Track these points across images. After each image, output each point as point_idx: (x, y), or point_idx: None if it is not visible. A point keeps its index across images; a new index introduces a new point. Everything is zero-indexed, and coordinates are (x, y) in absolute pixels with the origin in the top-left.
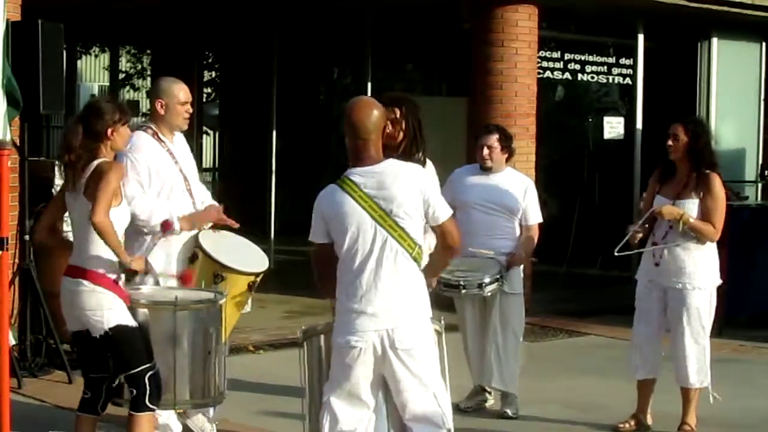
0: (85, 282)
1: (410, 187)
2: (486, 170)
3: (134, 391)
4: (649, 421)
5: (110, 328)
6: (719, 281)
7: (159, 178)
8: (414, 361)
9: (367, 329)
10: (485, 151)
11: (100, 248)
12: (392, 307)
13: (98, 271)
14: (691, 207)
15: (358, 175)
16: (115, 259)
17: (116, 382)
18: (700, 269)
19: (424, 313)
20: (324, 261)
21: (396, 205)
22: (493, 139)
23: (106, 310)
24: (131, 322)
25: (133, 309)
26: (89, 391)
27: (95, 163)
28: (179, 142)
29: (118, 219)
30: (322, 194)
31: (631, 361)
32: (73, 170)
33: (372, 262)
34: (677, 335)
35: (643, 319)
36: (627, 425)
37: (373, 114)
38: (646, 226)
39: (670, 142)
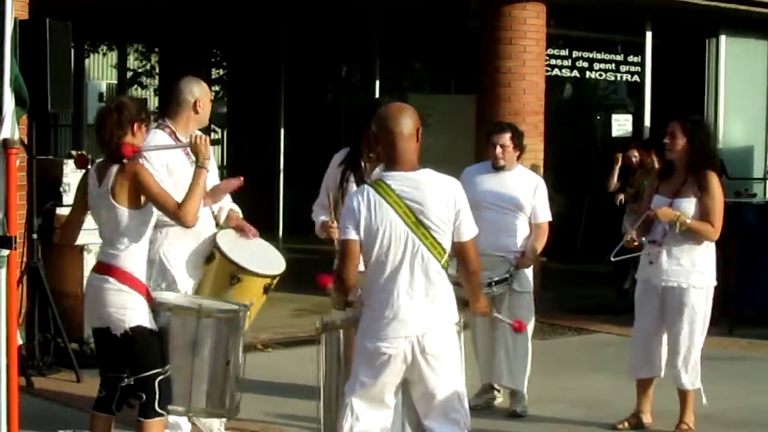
0: (111, 280)
1: (444, 198)
2: (498, 169)
3: (143, 396)
4: (649, 419)
5: (131, 328)
6: (715, 282)
7: (172, 178)
8: (442, 365)
9: (398, 335)
10: (498, 150)
11: (129, 247)
12: (423, 313)
13: (126, 270)
14: (687, 206)
15: (393, 179)
16: (144, 259)
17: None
18: (698, 269)
19: (452, 318)
20: (351, 257)
21: (429, 213)
22: (506, 138)
23: (129, 309)
24: (151, 325)
25: (156, 312)
26: (104, 390)
27: (116, 166)
28: None
29: (144, 219)
30: (355, 194)
31: (631, 360)
32: (104, 164)
33: (404, 269)
34: (674, 335)
35: (642, 319)
36: (624, 424)
37: (408, 116)
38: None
39: (666, 140)
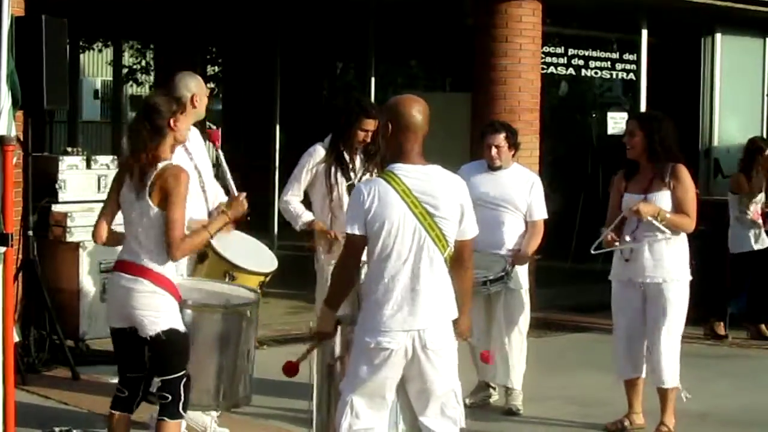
0: (145, 282)
1: (453, 195)
2: (494, 168)
3: (169, 397)
4: (641, 420)
5: (163, 331)
6: (690, 276)
7: None
8: (442, 360)
9: (399, 329)
10: (494, 151)
11: (162, 248)
12: (427, 307)
13: (160, 272)
14: (661, 199)
15: (403, 171)
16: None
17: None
18: (677, 262)
19: (451, 314)
20: (356, 253)
21: (439, 206)
22: (501, 138)
23: (163, 312)
24: (182, 327)
25: (181, 310)
26: (126, 390)
27: (161, 165)
28: (194, 138)
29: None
30: (363, 185)
31: (616, 362)
32: (141, 169)
33: (410, 262)
34: (654, 332)
35: (623, 319)
36: (614, 426)
37: (419, 109)
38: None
39: (625, 139)
